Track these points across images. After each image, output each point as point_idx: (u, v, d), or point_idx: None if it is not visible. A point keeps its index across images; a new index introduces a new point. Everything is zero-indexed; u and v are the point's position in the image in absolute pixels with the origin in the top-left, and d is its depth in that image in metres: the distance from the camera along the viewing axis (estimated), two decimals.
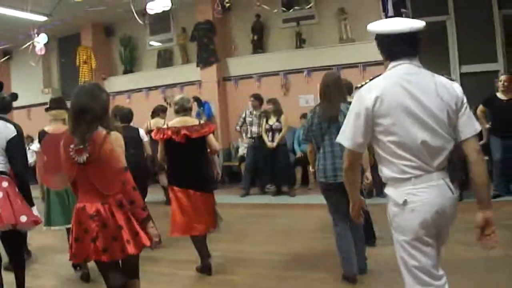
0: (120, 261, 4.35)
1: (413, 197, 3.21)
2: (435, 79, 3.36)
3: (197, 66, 15.33)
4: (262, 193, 12.53)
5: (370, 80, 3.44)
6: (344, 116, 5.71)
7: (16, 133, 5.45)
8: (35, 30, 11.47)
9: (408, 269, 3.28)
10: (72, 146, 4.12)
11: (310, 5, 13.62)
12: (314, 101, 13.28)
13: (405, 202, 3.23)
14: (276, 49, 14.93)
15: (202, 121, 7.05)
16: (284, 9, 14.27)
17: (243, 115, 12.80)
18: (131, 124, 8.91)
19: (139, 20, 10.87)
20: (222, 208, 10.81)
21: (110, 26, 18.20)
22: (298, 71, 13.91)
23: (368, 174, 6.25)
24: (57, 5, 9.38)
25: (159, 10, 10.88)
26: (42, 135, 6.51)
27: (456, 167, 3.41)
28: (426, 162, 3.23)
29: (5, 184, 5.25)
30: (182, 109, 6.94)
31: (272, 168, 12.07)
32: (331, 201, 6.04)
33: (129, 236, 4.14)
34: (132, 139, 7.85)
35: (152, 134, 7.03)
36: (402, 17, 11.92)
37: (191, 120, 6.91)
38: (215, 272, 6.66)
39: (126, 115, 8.79)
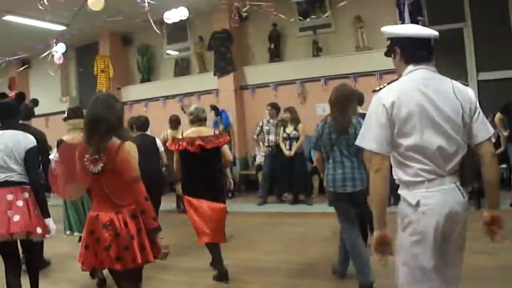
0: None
1: (426, 200, 3.27)
2: (451, 83, 3.45)
3: (214, 75, 15.36)
4: (279, 201, 12.51)
5: (388, 84, 3.49)
6: (355, 130, 5.82)
7: (35, 143, 5.52)
8: (54, 40, 11.54)
9: (409, 269, 3.35)
10: (87, 156, 4.19)
11: (327, 14, 13.61)
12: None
13: (417, 204, 3.27)
14: (293, 58, 14.92)
15: (217, 131, 7.15)
16: (300, 18, 14.28)
17: (260, 123, 12.80)
18: (148, 132, 8.99)
19: (156, 30, 10.90)
20: (239, 217, 10.93)
21: (127, 35, 18.30)
22: (315, 79, 13.89)
23: None
24: (76, 15, 9.43)
25: (176, 19, 10.93)
26: (60, 144, 6.58)
27: (467, 171, 3.44)
28: (439, 166, 3.29)
29: (26, 194, 5.36)
30: (197, 120, 7.02)
31: (289, 177, 12.07)
32: (340, 211, 6.16)
33: (138, 247, 4.19)
34: (148, 149, 8.10)
35: (168, 144, 7.11)
36: (419, 24, 11.92)
37: (206, 130, 6.97)
38: (231, 280, 6.67)
39: (143, 123, 8.91)
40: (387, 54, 3.69)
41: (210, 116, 13.76)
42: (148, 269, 6.68)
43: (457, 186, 3.37)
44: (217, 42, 15.13)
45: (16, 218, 5.17)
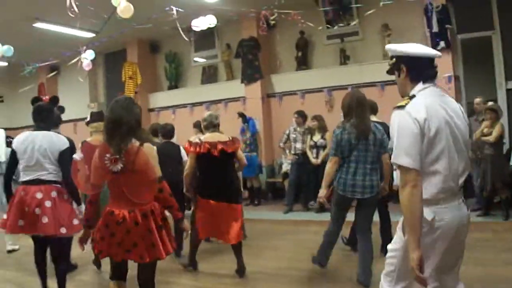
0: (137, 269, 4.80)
1: (440, 215, 3.35)
2: (456, 103, 3.59)
3: (242, 82, 15.39)
4: (305, 209, 12.46)
5: (410, 98, 3.47)
6: (375, 135, 5.97)
7: (68, 144, 5.96)
8: (84, 47, 11.65)
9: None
10: (107, 155, 4.44)
11: (354, 22, 13.59)
12: None
13: (433, 220, 3.33)
14: (320, 66, 14.89)
15: (231, 137, 7.43)
16: (328, 26, 14.27)
17: (287, 131, 12.79)
18: (174, 140, 9.08)
19: (184, 37, 10.95)
20: (265, 224, 10.93)
21: (155, 43, 18.44)
22: (342, 87, 13.81)
23: (386, 186, 6.59)
24: (106, 22, 9.52)
25: (204, 27, 10.98)
26: (83, 144, 6.74)
27: (469, 187, 3.57)
28: (455, 183, 3.41)
29: (54, 193, 5.78)
30: (212, 125, 7.39)
31: (315, 185, 12.02)
32: (338, 210, 6.59)
33: (147, 246, 4.50)
34: (172, 157, 8.32)
35: (185, 146, 7.33)
36: (447, 33, 11.88)
37: (221, 136, 7.29)
38: None
39: (169, 131, 9.00)
40: (390, 72, 3.77)
41: (237, 123, 13.80)
42: (167, 273, 6.82)
43: (463, 201, 3.52)
44: (245, 49, 15.17)
45: (45, 220, 5.58)
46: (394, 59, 3.67)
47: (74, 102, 18.08)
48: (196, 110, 16.49)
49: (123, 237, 4.46)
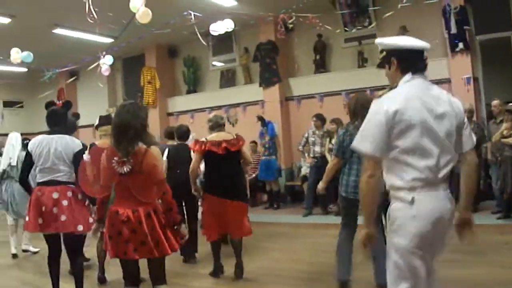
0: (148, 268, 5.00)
1: (417, 203, 3.37)
2: (446, 94, 3.68)
3: (260, 86, 15.41)
4: (325, 213, 12.42)
5: (389, 90, 3.62)
6: None
7: (82, 146, 6.14)
8: (104, 53, 11.72)
9: (399, 270, 3.45)
10: (115, 158, 4.62)
11: (372, 25, 13.56)
12: None
13: (412, 201, 3.37)
14: (338, 69, 14.88)
15: (234, 135, 7.62)
16: (346, 28, 14.26)
17: (306, 135, 12.77)
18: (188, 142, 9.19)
19: (202, 41, 10.99)
20: (284, 228, 10.93)
21: (173, 47, 18.53)
22: (361, 90, 13.74)
23: None
24: (125, 28, 9.58)
25: (222, 31, 11.00)
26: (92, 147, 6.82)
27: (456, 180, 3.58)
28: (434, 174, 3.41)
29: (69, 193, 6.00)
30: (217, 125, 7.61)
31: (334, 188, 11.98)
32: (346, 214, 6.57)
33: (153, 243, 4.66)
34: (182, 158, 8.46)
35: (191, 145, 7.52)
36: (465, 34, 11.83)
37: (227, 135, 7.49)
38: None
39: (185, 133, 9.18)
40: (380, 65, 3.83)
41: (256, 126, 13.82)
42: (178, 276, 6.85)
43: (447, 193, 3.53)
44: (263, 53, 15.19)
45: (63, 218, 5.83)
46: (384, 53, 3.72)
47: (93, 107, 18.20)
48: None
49: (129, 235, 4.62)
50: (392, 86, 3.72)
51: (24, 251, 9.42)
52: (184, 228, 5.06)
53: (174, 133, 9.26)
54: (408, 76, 3.59)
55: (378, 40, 3.82)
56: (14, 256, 9.50)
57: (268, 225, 11.57)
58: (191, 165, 7.37)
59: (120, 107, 4.90)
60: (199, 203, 8.27)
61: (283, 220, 12.05)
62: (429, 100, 3.47)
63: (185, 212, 8.69)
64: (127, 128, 4.63)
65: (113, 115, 12.70)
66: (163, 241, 4.72)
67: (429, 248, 3.46)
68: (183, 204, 8.67)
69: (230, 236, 7.63)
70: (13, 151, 9.27)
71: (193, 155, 8.72)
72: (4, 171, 9.29)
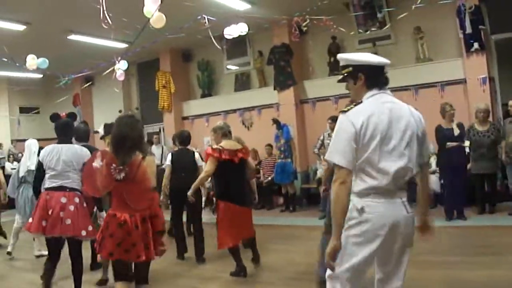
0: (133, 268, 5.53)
1: (371, 208, 3.56)
2: (408, 108, 3.86)
3: (274, 89, 15.41)
4: None
5: (355, 105, 3.69)
6: None
7: (90, 156, 6.10)
8: (119, 58, 11.77)
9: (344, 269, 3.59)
10: (114, 165, 4.99)
11: (386, 26, 13.52)
12: None
13: (362, 210, 3.56)
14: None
15: (240, 144, 7.86)
16: (360, 30, 14.23)
17: (321, 137, 12.72)
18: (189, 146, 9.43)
19: (217, 45, 11.02)
20: (301, 230, 10.93)
21: (188, 51, 18.59)
22: None
23: None
24: (139, 33, 9.60)
25: (236, 35, 11.01)
26: None
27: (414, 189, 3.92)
28: (392, 182, 3.58)
29: (76, 200, 6.32)
30: (228, 133, 7.76)
31: None
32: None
33: (143, 247, 5.07)
34: (186, 163, 8.89)
35: (209, 151, 7.44)
36: (480, 34, 11.78)
37: (237, 144, 7.71)
38: None
39: (187, 138, 9.32)
40: (342, 80, 3.95)
41: (272, 129, 13.82)
42: (193, 278, 6.87)
43: (403, 201, 3.69)
44: (277, 56, 15.19)
45: (68, 221, 6.10)
46: (350, 68, 3.82)
47: (108, 112, 18.29)
48: (229, 118, 16.55)
49: (123, 238, 4.97)
50: (356, 100, 3.81)
51: (38, 256, 9.49)
52: (164, 239, 5.64)
53: (175, 138, 9.41)
54: (374, 90, 3.76)
55: (343, 56, 3.94)
56: (9, 253, 9.77)
57: (285, 227, 11.57)
58: (206, 172, 7.43)
59: (118, 120, 5.38)
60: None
61: (299, 222, 12.03)
62: (393, 113, 3.64)
63: (185, 215, 9.18)
64: (125, 140, 5.08)
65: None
66: (151, 246, 5.16)
67: (384, 254, 3.69)
68: (184, 206, 9.02)
69: (244, 239, 7.97)
70: (33, 156, 9.42)
71: (197, 159, 8.95)
72: (23, 176, 9.45)
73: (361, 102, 3.72)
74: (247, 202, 7.78)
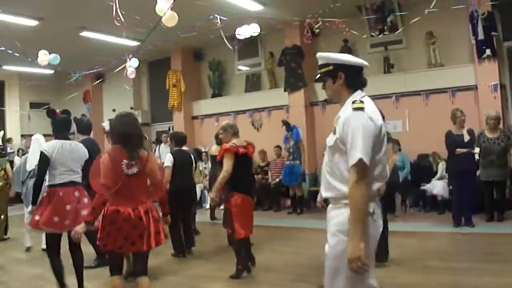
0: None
1: (376, 210, 3.61)
2: None
3: (285, 90, 15.39)
4: None
5: (361, 102, 3.62)
6: None
7: (88, 155, 6.66)
8: (131, 56, 11.78)
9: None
10: (125, 161, 5.12)
11: (399, 31, 13.48)
12: (403, 127, 13.15)
13: (373, 213, 3.54)
14: (364, 74, 14.74)
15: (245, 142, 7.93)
16: (373, 34, 14.19)
17: None
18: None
19: (228, 45, 11.02)
20: (308, 233, 10.88)
21: (199, 51, 18.60)
22: (386, 96, 13.74)
23: None
24: (151, 31, 9.62)
25: (248, 35, 11.01)
26: None
27: None
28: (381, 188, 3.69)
29: (85, 193, 6.51)
30: (237, 132, 7.85)
31: None
32: None
33: (147, 237, 5.19)
34: (186, 164, 9.12)
35: (228, 148, 7.47)
36: (493, 40, 11.75)
37: (243, 141, 7.82)
38: None
39: (183, 139, 9.53)
40: (320, 79, 3.94)
41: (281, 131, 13.81)
42: (193, 277, 6.88)
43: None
44: (288, 58, 15.17)
45: (84, 212, 6.13)
46: (331, 67, 3.80)
47: (118, 109, 18.24)
48: (239, 118, 16.58)
49: (129, 231, 5.09)
50: (334, 100, 3.88)
51: (44, 250, 9.54)
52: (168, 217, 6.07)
53: (172, 138, 9.47)
54: (360, 92, 3.78)
55: (323, 54, 3.90)
56: (28, 249, 9.86)
57: (291, 229, 11.55)
58: (227, 170, 7.43)
59: (119, 118, 5.40)
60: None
61: (306, 225, 11.99)
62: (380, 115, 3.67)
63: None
64: (130, 138, 5.18)
65: (139, 118, 13.03)
66: (153, 235, 5.24)
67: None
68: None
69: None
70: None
71: (194, 162, 9.01)
72: (31, 170, 9.47)
73: (362, 101, 3.66)
74: (254, 195, 8.19)
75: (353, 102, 3.60)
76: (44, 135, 9.70)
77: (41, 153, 6.38)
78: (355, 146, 3.45)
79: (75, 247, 6.45)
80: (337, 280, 3.59)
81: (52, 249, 6.45)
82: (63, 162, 6.37)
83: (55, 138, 6.54)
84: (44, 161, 6.34)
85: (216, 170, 9.47)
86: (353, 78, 3.79)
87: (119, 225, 5.06)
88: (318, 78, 3.93)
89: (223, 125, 7.87)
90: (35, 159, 9.57)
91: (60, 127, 6.64)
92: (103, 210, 5.20)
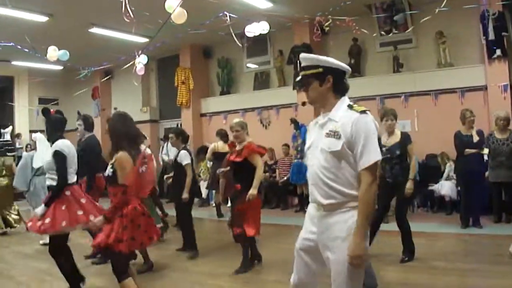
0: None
1: None
2: None
3: (294, 88, 15.34)
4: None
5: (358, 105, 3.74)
6: None
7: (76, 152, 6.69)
8: (140, 52, 11.77)
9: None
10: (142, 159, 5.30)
11: (408, 30, 13.43)
12: (411, 127, 13.09)
13: None
14: (373, 73, 14.78)
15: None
16: (383, 32, 14.14)
17: None
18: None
19: (238, 43, 10.98)
20: None
21: (208, 48, 18.61)
22: (395, 95, 13.71)
23: None
24: (160, 28, 9.61)
25: (257, 33, 10.98)
26: None
27: None
28: None
29: (67, 192, 6.25)
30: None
31: None
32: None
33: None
34: (192, 161, 9.10)
35: (253, 148, 7.52)
36: (503, 40, 11.69)
37: None
38: None
39: (188, 137, 9.59)
40: (304, 81, 3.85)
41: (289, 129, 13.79)
42: (201, 274, 6.92)
43: None
44: (297, 56, 15.09)
45: (80, 212, 6.20)
46: (320, 69, 3.74)
47: (127, 106, 18.28)
48: (248, 116, 16.54)
49: (146, 225, 5.24)
50: (317, 103, 3.84)
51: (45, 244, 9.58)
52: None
53: (179, 135, 9.46)
54: (346, 97, 3.80)
55: (313, 56, 3.85)
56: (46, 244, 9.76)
57: (299, 228, 11.36)
58: (262, 168, 7.64)
59: (123, 117, 5.45)
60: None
61: None
62: None
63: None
64: (137, 137, 5.44)
65: (147, 115, 13.07)
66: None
67: None
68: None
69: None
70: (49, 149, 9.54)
71: (183, 157, 8.90)
72: (39, 168, 9.51)
73: (325, 105, 3.81)
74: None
75: (351, 106, 3.67)
76: None
77: (59, 153, 6.26)
78: (369, 149, 3.51)
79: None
80: (355, 281, 3.60)
81: (63, 246, 6.43)
82: (73, 161, 6.44)
83: (50, 137, 6.56)
84: (64, 160, 6.28)
85: (217, 167, 9.53)
86: (340, 83, 3.78)
87: (138, 221, 5.13)
88: (302, 79, 3.84)
89: (239, 123, 7.77)
90: (43, 157, 9.64)
91: (56, 127, 6.61)
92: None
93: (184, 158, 8.80)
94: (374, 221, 7.26)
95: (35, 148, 10.75)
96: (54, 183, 6.29)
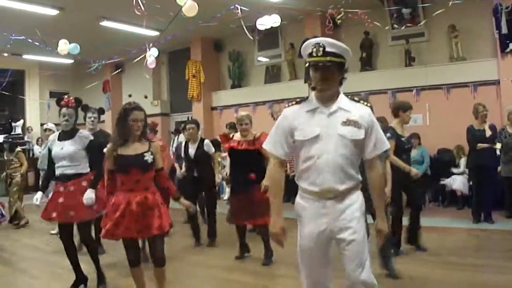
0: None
1: None
2: None
3: (305, 82, 15.27)
4: (367, 213, 12.31)
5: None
6: None
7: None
8: (151, 45, 11.76)
9: None
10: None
11: (421, 23, 13.36)
12: (423, 121, 13.02)
13: None
14: (384, 67, 14.72)
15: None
16: (396, 25, 14.06)
17: None
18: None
19: (249, 36, 10.94)
20: None
21: (219, 41, 18.59)
22: (407, 89, 13.64)
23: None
24: (171, 21, 9.60)
25: (269, 26, 10.93)
26: None
27: None
28: None
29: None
30: None
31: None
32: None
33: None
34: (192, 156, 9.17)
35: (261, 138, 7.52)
36: None
37: None
38: None
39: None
40: (328, 69, 3.75)
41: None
42: (213, 267, 6.92)
43: None
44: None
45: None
46: (344, 59, 3.79)
47: (138, 99, 18.20)
48: (258, 109, 16.56)
49: (137, 215, 5.14)
50: (329, 92, 3.84)
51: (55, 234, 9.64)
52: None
53: (197, 126, 9.46)
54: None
55: (342, 45, 3.80)
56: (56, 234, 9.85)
57: None
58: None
59: (130, 109, 5.39)
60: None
61: None
62: None
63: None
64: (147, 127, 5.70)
65: (158, 108, 13.12)
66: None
67: None
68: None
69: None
70: None
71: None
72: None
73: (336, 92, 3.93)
74: None
75: (355, 99, 3.97)
76: None
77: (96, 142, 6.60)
78: (381, 138, 3.85)
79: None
80: (368, 261, 3.68)
81: (67, 240, 6.38)
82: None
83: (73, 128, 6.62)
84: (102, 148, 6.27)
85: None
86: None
87: (144, 211, 5.15)
88: (327, 65, 3.73)
89: (248, 116, 7.81)
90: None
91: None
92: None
93: (211, 147, 9.02)
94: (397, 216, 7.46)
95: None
96: (75, 171, 6.30)
